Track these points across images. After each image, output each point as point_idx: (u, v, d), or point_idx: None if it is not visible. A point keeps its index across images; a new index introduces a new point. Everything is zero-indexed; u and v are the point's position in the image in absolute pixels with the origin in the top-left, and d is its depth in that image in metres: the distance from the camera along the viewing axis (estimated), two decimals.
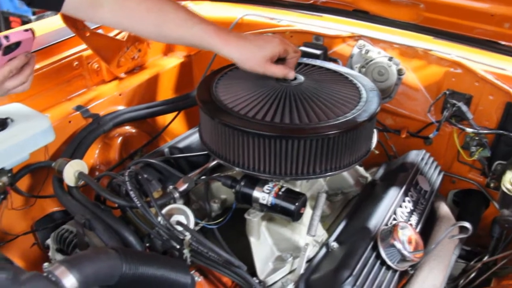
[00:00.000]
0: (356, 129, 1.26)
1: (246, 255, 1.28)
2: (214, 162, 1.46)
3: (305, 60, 1.56)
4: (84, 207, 1.36)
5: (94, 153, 1.90)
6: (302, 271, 1.25)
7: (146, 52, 2.18)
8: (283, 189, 1.26)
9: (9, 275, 0.89)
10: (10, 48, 1.30)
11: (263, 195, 1.26)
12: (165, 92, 2.22)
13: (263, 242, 1.33)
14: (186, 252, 1.24)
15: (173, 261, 1.17)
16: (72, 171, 1.40)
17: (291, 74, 1.36)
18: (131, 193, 1.27)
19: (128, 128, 1.99)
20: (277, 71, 1.34)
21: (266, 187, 1.27)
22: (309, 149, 1.21)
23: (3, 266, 0.92)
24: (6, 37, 1.24)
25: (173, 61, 2.29)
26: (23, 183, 1.72)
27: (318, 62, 1.56)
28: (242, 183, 1.30)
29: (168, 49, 2.35)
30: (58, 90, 1.91)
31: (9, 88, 1.44)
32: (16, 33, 1.27)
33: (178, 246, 1.25)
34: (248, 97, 1.33)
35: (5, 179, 1.57)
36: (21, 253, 1.74)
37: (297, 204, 1.23)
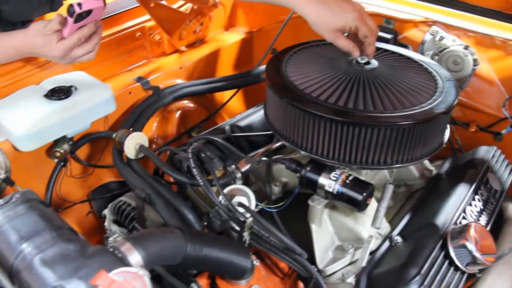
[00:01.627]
0: (433, 120, 1.19)
1: (301, 242, 1.24)
2: (278, 144, 1.42)
3: (377, 44, 1.49)
4: (145, 181, 1.34)
5: (152, 125, 1.89)
6: (364, 264, 1.20)
7: (208, 26, 2.15)
8: (350, 178, 1.21)
9: (76, 247, 0.88)
10: (81, 16, 1.29)
11: (330, 182, 1.21)
12: (225, 68, 2.18)
13: (324, 230, 1.29)
14: (246, 235, 1.21)
15: (234, 243, 1.14)
16: (133, 143, 1.39)
17: (356, 53, 1.29)
18: (194, 171, 1.24)
19: (186, 103, 1.97)
20: (342, 44, 1.28)
21: (333, 174, 1.22)
22: (382, 139, 1.16)
23: (70, 237, 0.91)
24: (79, 4, 1.23)
25: (234, 37, 2.25)
26: (82, 152, 1.72)
27: (391, 47, 1.49)
28: (308, 168, 1.25)
29: (229, 24, 2.31)
30: (120, 60, 1.90)
31: (76, 56, 1.44)
32: (88, 1, 1.25)
33: (237, 228, 1.22)
34: (320, 79, 1.27)
35: (66, 146, 1.57)
36: (76, 220, 1.76)
37: (364, 194, 1.18)
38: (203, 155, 1.32)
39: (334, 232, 1.31)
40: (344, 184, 1.20)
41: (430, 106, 1.21)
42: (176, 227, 1.02)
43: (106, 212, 1.50)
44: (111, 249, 0.89)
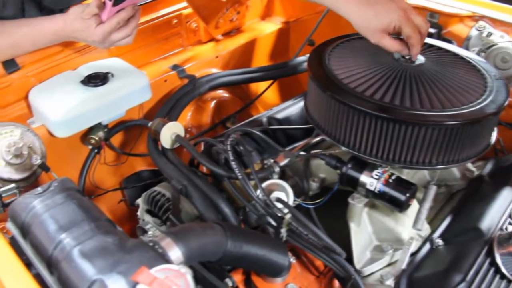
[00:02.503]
0: (483, 121, 1.14)
1: (335, 240, 1.20)
2: (318, 138, 1.38)
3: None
4: (181, 172, 1.32)
5: (186, 115, 1.86)
6: (404, 266, 1.16)
7: (245, 15, 2.11)
8: (393, 177, 1.17)
9: (115, 240, 0.86)
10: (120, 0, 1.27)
11: (371, 180, 1.18)
12: (260, 58, 2.15)
13: (362, 229, 1.25)
14: (283, 231, 1.18)
15: (273, 240, 1.11)
16: (169, 133, 1.37)
17: (404, 51, 1.24)
18: (233, 164, 1.21)
19: (221, 92, 1.94)
20: (389, 44, 1.22)
21: (375, 172, 1.18)
22: (429, 138, 1.11)
23: (108, 229, 0.89)
24: None
25: (271, 27, 2.20)
26: (116, 140, 1.71)
27: (437, 42, 1.43)
28: (349, 165, 1.22)
29: (266, 14, 2.26)
30: (156, 47, 1.89)
31: (114, 40, 1.43)
32: None
33: (274, 224, 1.20)
34: (364, 73, 1.23)
35: (101, 134, 1.56)
36: (108, 208, 1.75)
37: (408, 194, 1.15)
38: (241, 147, 1.29)
39: (373, 231, 1.27)
40: (386, 183, 1.16)
41: (480, 105, 1.16)
42: (216, 222, 0.99)
43: (139, 201, 1.49)
44: (150, 244, 0.87)
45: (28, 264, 0.95)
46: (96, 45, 1.47)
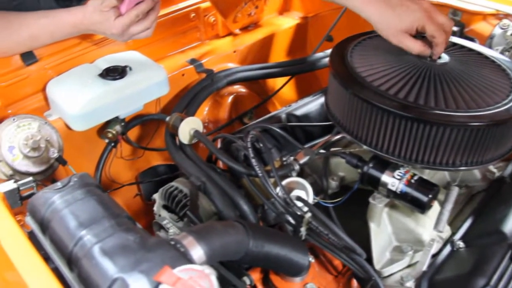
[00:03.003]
0: (508, 122, 1.12)
1: (354, 239, 1.19)
2: (338, 136, 1.36)
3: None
4: (199, 168, 1.31)
5: (203, 109, 1.85)
6: (425, 268, 1.14)
7: (263, 9, 2.09)
8: (415, 177, 1.15)
9: (136, 238, 0.85)
10: None
11: (393, 180, 1.16)
12: (278, 53, 2.13)
13: (382, 229, 1.24)
14: (302, 230, 1.16)
15: (294, 240, 1.10)
16: (187, 128, 1.35)
17: (426, 52, 1.22)
18: (253, 161, 1.20)
19: (238, 87, 1.92)
20: (412, 45, 1.20)
21: (397, 172, 1.16)
22: (454, 139, 1.09)
23: (130, 227, 0.88)
24: None
25: (289, 22, 2.17)
26: (132, 134, 1.70)
27: (461, 41, 1.41)
28: (371, 165, 1.20)
29: (284, 8, 2.24)
30: (173, 41, 1.87)
31: (133, 33, 1.42)
32: None
33: (293, 222, 1.18)
34: (388, 71, 1.21)
35: (118, 127, 1.55)
36: (123, 202, 1.74)
37: (430, 196, 1.12)
38: (260, 144, 1.27)
39: (393, 232, 1.25)
40: (408, 184, 1.14)
41: (506, 106, 1.14)
42: (236, 220, 0.98)
43: (155, 196, 1.47)
44: (172, 243, 0.86)
45: (47, 259, 0.94)
46: (114, 38, 1.46)
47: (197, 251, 0.85)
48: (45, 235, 0.94)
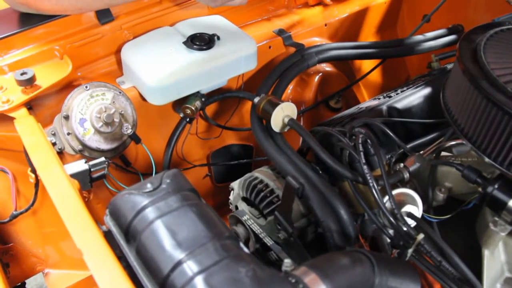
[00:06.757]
0: None
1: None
2: (455, 142, 1.15)
3: None
4: (296, 166, 1.13)
5: (288, 87, 1.64)
6: None
7: None
8: None
9: (248, 271, 0.68)
10: None
11: None
12: (368, 30, 1.89)
13: (495, 257, 1.05)
14: (410, 251, 0.98)
15: (411, 271, 0.91)
16: (281, 115, 1.18)
17: None
18: (365, 168, 1.02)
19: (325, 66, 1.70)
20: None
21: None
22: None
23: (239, 253, 0.71)
24: None
25: None
26: (209, 110, 1.52)
27: None
28: (497, 186, 0.99)
29: None
30: (259, 6, 1.67)
31: None
32: None
33: (399, 241, 1.00)
34: None
35: (198, 103, 1.38)
36: (192, 182, 1.57)
37: None
38: (371, 146, 1.09)
39: (506, 261, 1.07)
40: None
41: None
42: (361, 252, 0.80)
43: (234, 186, 1.31)
44: (290, 278, 0.69)
45: (119, 258, 0.80)
46: (205, 2, 1.27)
47: None
48: (130, 245, 0.78)
